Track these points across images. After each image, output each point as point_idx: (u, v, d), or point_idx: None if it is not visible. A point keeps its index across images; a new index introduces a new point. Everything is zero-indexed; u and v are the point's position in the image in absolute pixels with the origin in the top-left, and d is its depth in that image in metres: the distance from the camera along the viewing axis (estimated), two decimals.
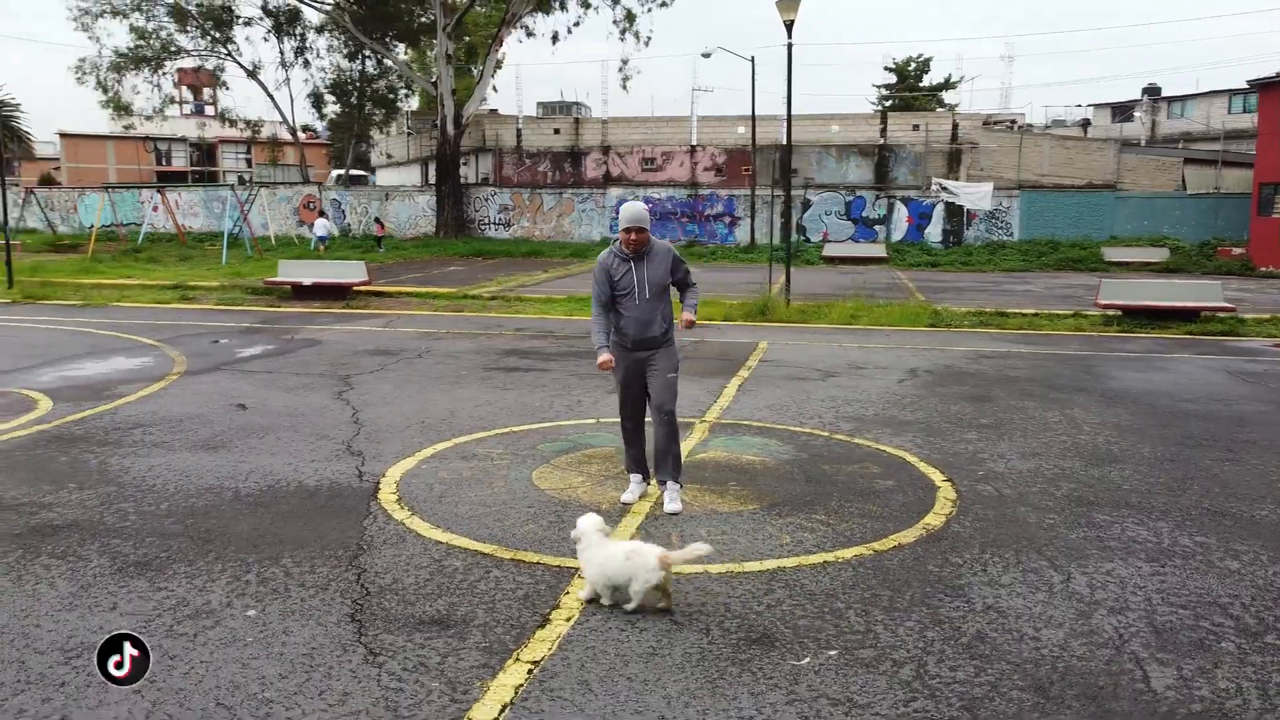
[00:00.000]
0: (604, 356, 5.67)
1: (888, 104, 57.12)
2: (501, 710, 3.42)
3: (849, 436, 7.74)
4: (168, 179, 68.76)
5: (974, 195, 34.35)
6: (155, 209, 39.15)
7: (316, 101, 43.03)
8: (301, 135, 53.29)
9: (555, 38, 40.58)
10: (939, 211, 35.68)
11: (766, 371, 10.85)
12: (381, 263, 29.00)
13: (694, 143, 38.07)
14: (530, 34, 41.99)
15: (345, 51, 41.64)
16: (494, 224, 38.35)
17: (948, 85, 58.73)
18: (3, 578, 4.59)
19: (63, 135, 71.00)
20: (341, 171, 47.65)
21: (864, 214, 36.40)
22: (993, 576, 4.77)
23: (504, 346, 12.70)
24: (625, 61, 39.28)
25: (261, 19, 38.82)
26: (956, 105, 51.28)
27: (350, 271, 19.79)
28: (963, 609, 4.37)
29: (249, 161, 72.68)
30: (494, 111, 48.55)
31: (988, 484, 6.41)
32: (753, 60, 29.12)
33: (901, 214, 36.15)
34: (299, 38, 39.80)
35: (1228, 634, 4.14)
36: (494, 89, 55.86)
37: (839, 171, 37.68)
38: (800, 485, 6.35)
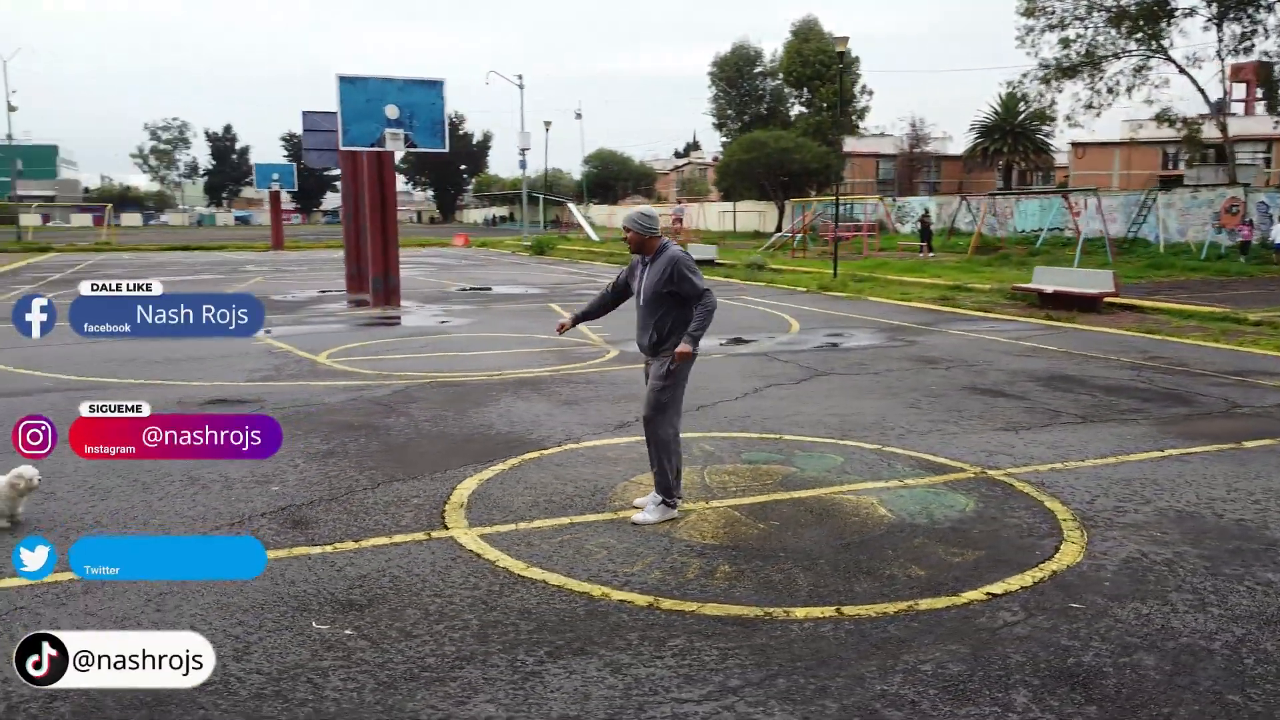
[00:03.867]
0: (561, 321, 6.22)
1: None
2: None
3: (1072, 515, 5.74)
4: (1170, 183, 67.62)
5: None
6: (1076, 214, 39.93)
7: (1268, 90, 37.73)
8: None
9: None
10: None
11: None
12: (1248, 275, 25.08)
13: None
14: None
15: None
16: None
17: None
18: None
19: (1073, 144, 75.97)
20: None
21: None
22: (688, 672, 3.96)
23: (1049, 369, 11.15)
24: None
25: (1207, 5, 35.67)
26: None
27: (1097, 281, 18.48)
28: (561, 672, 3.97)
29: (1267, 161, 66.79)
30: None
31: (1067, 594, 4.42)
32: None
33: None
34: (1247, 20, 35.34)
35: None
36: None
37: None
38: (835, 542, 5.41)
